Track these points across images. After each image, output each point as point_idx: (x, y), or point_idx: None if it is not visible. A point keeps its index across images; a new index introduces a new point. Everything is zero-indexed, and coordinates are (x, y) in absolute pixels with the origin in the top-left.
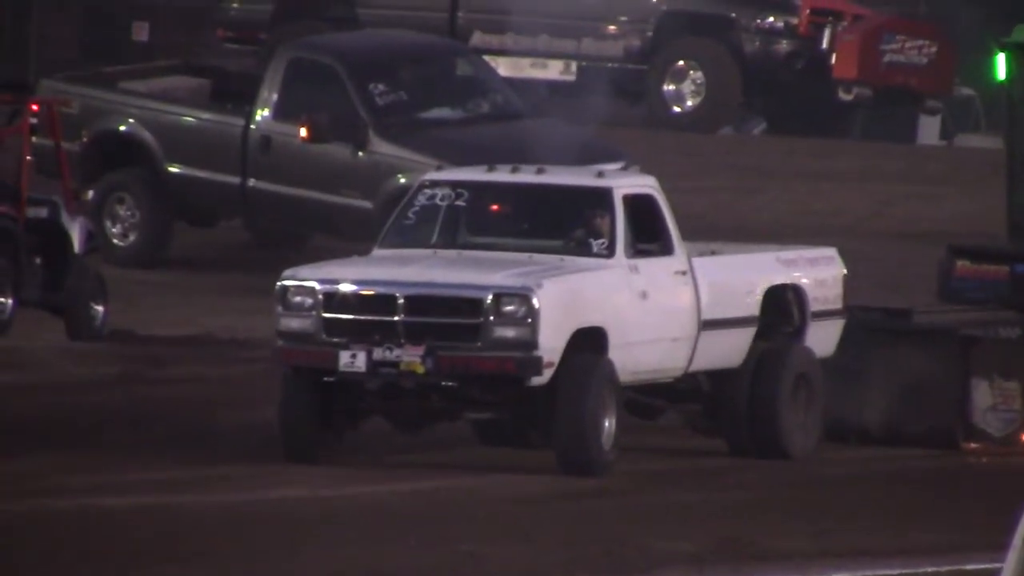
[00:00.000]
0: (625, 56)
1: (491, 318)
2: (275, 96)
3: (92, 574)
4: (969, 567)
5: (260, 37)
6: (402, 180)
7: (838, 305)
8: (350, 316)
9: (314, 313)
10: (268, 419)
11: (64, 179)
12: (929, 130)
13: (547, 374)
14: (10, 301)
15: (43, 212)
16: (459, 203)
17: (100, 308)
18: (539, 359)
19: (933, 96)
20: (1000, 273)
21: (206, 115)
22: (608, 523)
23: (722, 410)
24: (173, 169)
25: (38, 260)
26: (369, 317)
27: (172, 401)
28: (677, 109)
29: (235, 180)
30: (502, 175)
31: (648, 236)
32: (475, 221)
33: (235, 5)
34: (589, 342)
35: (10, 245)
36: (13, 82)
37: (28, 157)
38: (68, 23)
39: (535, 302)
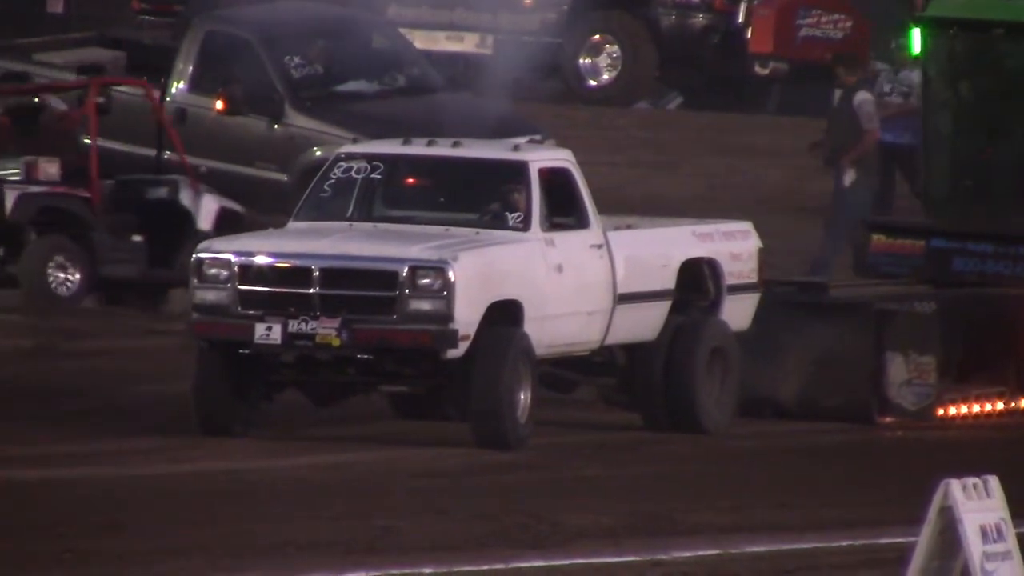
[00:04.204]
0: (541, 29)
1: (407, 291)
2: (191, 69)
3: (3, 546)
4: (883, 541)
5: (176, 9)
6: (318, 153)
7: (754, 279)
8: (265, 288)
9: (229, 285)
10: (183, 392)
11: (182, 157)
12: None
13: (463, 347)
14: (77, 277)
15: (163, 191)
16: (375, 176)
17: None
18: (455, 332)
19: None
20: (916, 247)
21: (122, 87)
22: (523, 497)
23: (637, 384)
24: (88, 141)
25: (137, 238)
26: (284, 290)
27: (87, 373)
28: (593, 83)
29: (150, 152)
30: (418, 148)
31: (564, 210)
32: (391, 194)
33: None
34: (505, 315)
35: (80, 226)
36: (86, 64)
37: (95, 138)
38: None
39: (451, 275)
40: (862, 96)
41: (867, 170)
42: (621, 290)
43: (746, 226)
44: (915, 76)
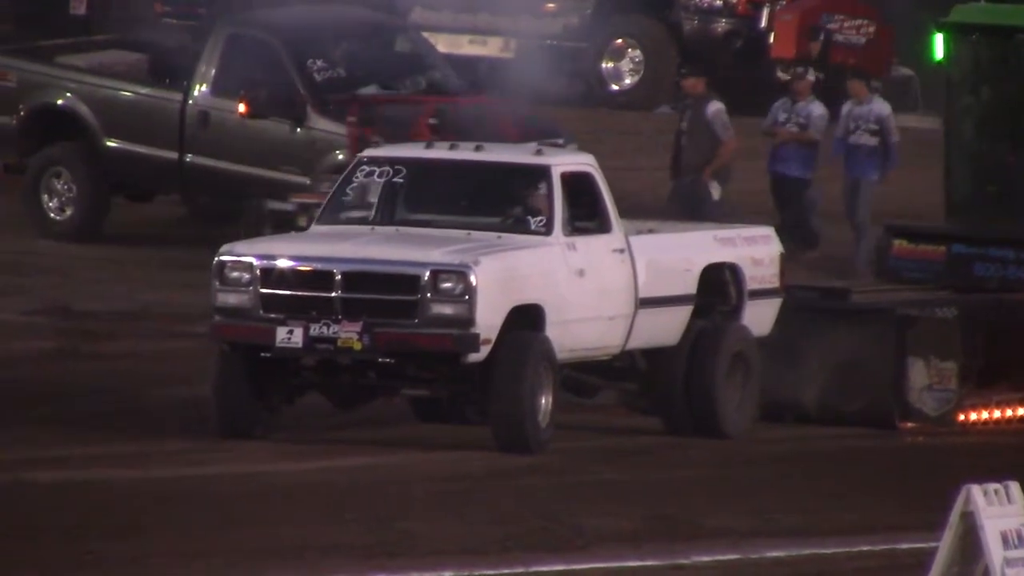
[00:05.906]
0: (564, 34)
1: (428, 295)
2: (213, 71)
3: (24, 548)
4: (904, 546)
5: (198, 12)
6: (340, 156)
7: (775, 284)
8: (287, 292)
9: (251, 289)
10: (204, 395)
11: None
12: None
13: (484, 351)
14: None
15: None
16: (397, 180)
17: None
18: (476, 336)
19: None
20: (937, 253)
21: (144, 90)
22: (544, 501)
23: (658, 388)
24: (111, 144)
25: None
26: (306, 293)
27: (108, 376)
28: (615, 87)
29: (173, 155)
30: (440, 152)
31: (586, 214)
32: (413, 198)
33: None
34: (526, 319)
35: None
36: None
37: None
38: None
39: (472, 279)
40: (716, 106)
41: (723, 180)
42: (643, 295)
43: (768, 231)
44: (812, 108)
